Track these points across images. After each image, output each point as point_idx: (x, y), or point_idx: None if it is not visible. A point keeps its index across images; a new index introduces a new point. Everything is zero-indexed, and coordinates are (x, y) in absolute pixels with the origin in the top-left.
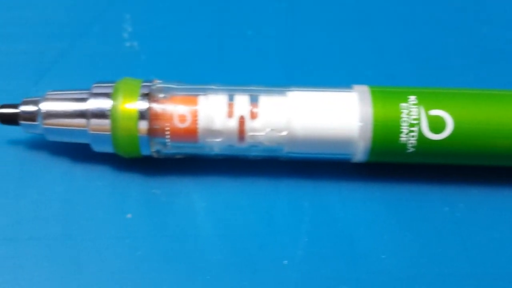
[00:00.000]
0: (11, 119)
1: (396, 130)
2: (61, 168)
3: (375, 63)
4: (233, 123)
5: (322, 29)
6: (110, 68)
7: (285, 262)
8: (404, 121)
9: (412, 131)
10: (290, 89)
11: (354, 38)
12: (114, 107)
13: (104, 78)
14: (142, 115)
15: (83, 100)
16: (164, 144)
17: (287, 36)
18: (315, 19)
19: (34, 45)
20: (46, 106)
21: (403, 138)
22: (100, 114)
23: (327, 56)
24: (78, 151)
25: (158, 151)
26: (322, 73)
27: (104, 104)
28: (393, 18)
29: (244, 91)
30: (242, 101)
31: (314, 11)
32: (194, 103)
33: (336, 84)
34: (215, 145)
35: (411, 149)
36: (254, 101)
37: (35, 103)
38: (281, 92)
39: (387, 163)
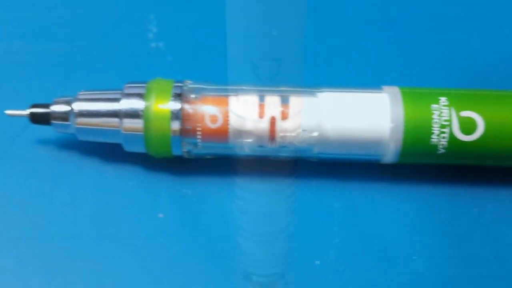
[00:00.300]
0: (43, 119)
1: (427, 131)
2: (93, 168)
3: (400, 64)
4: (264, 124)
5: (348, 30)
6: (136, 68)
7: (317, 262)
8: (435, 122)
9: (443, 133)
10: (321, 90)
11: (380, 39)
12: (147, 108)
13: (129, 78)
14: (175, 115)
15: (115, 100)
16: (195, 144)
17: (314, 36)
18: (341, 20)
19: (60, 46)
20: (79, 106)
21: (434, 139)
22: (133, 114)
23: (352, 57)
24: (109, 151)
25: (189, 151)
26: (347, 74)
27: (137, 104)
28: (418, 19)
29: (274, 92)
30: (273, 102)
31: (341, 11)
32: (225, 103)
33: (361, 84)
34: (246, 146)
35: (442, 151)
36: (284, 102)
37: (67, 103)
38: (312, 93)
39: (416, 164)
